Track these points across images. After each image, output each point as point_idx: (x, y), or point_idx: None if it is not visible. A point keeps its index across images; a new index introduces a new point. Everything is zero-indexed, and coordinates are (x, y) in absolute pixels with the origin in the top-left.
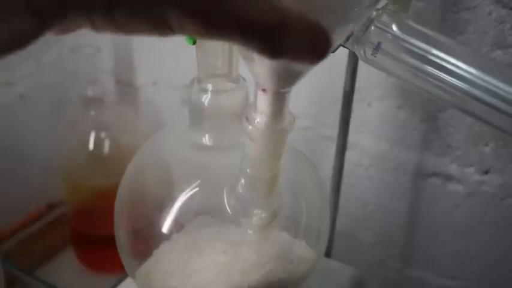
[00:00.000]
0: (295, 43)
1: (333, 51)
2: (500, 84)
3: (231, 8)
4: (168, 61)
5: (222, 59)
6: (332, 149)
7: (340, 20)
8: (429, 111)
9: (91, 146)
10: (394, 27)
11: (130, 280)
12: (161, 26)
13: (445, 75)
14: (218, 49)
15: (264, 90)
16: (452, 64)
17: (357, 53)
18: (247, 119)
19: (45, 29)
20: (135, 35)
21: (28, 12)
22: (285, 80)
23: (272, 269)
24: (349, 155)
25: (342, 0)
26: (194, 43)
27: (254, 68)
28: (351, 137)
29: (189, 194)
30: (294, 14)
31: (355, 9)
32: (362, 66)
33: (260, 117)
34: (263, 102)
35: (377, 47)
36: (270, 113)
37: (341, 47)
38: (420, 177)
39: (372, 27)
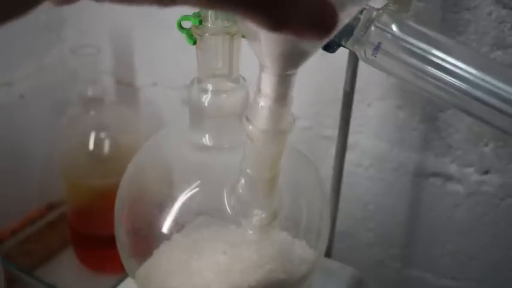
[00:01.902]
0: (300, 15)
1: (333, 52)
2: (501, 85)
3: None
4: (168, 61)
5: (222, 59)
6: (332, 150)
7: None
8: (429, 111)
9: (91, 146)
10: (394, 27)
11: (130, 280)
12: None
13: (445, 75)
14: (218, 49)
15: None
16: (453, 64)
17: (357, 53)
18: (247, 118)
19: None
20: (135, 5)
21: None
22: (291, 61)
23: (272, 269)
24: (349, 156)
25: None
26: (194, 43)
27: (259, 49)
28: (351, 138)
29: (189, 194)
30: None
31: None
32: (362, 67)
33: (264, 100)
34: (267, 85)
35: (377, 47)
36: (274, 96)
37: (341, 48)
38: (420, 178)
39: (372, 28)
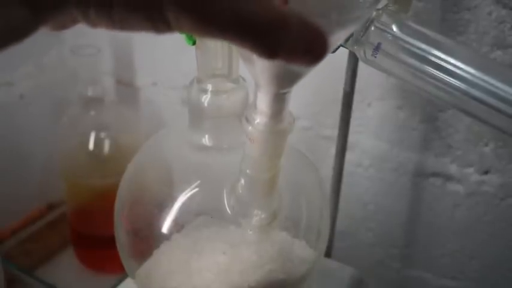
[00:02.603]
0: (292, 43)
1: (333, 52)
2: (500, 85)
3: (228, 7)
4: (168, 61)
5: (222, 60)
6: (332, 150)
7: (338, 22)
8: (429, 111)
9: (91, 146)
10: (394, 28)
11: (130, 280)
12: (158, 23)
13: (445, 75)
14: (218, 50)
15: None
16: (452, 64)
17: (357, 54)
18: (247, 119)
19: (39, 22)
20: (131, 31)
21: (22, 3)
22: (284, 82)
23: (272, 269)
24: (349, 156)
25: (340, 3)
26: (194, 43)
27: (253, 70)
28: (351, 138)
29: (189, 194)
30: (291, 14)
31: (354, 11)
32: (362, 67)
33: (260, 117)
34: (263, 103)
35: (377, 48)
36: (270, 113)
37: (341, 48)
38: (420, 178)
39: (372, 28)
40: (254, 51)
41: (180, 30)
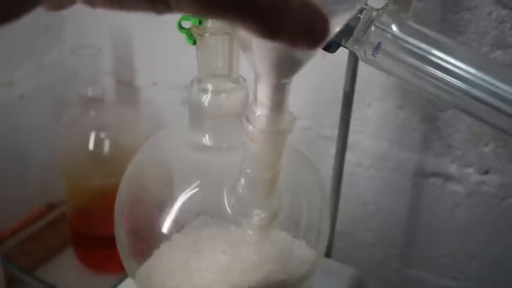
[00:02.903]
0: (293, 25)
1: (333, 52)
2: (500, 85)
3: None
4: (168, 61)
5: (222, 59)
6: (332, 149)
7: (339, 3)
8: (429, 111)
9: (91, 146)
10: (394, 27)
11: (130, 280)
12: (157, 2)
13: (445, 75)
14: (218, 49)
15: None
16: (452, 64)
17: (357, 53)
18: (247, 118)
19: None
20: (130, 11)
21: None
22: (285, 70)
23: (272, 269)
24: (349, 155)
25: None
26: (194, 43)
27: (253, 58)
28: (351, 137)
29: (189, 194)
30: None
31: None
32: (362, 67)
33: (261, 109)
34: (263, 94)
35: (377, 47)
36: (271, 105)
37: (341, 48)
38: (420, 177)
39: (372, 28)
40: (255, 33)
41: (180, 10)
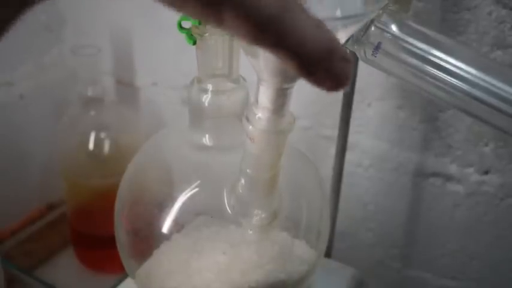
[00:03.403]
0: (330, 70)
1: None
2: (500, 85)
3: (290, 32)
4: (168, 61)
5: (222, 59)
6: (332, 149)
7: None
8: (429, 111)
9: (91, 146)
10: (394, 27)
11: (130, 280)
12: (212, 15)
13: (445, 75)
14: (218, 49)
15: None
16: (452, 64)
17: (357, 53)
18: (247, 119)
19: None
20: (185, 13)
21: None
22: (288, 76)
23: (272, 269)
24: (349, 156)
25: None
26: (194, 43)
27: (257, 64)
28: (351, 138)
29: (189, 194)
30: (338, 45)
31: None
32: (362, 67)
33: (262, 112)
34: (265, 98)
35: (377, 47)
36: (272, 108)
37: None
38: (420, 178)
39: (372, 27)
40: (294, 70)
41: (231, 32)
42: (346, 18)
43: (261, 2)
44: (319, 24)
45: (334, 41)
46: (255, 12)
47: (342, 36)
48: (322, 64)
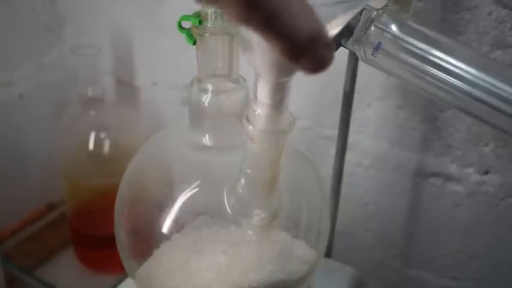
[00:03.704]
0: (314, 55)
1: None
2: (501, 85)
3: (279, 13)
4: (168, 61)
5: (222, 59)
6: (332, 150)
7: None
8: (429, 111)
9: (91, 146)
10: (394, 27)
11: (130, 280)
12: None
13: (445, 75)
14: (218, 49)
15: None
16: (452, 64)
17: (357, 53)
18: (247, 119)
19: None
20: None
21: None
22: (285, 69)
23: (272, 269)
24: (349, 156)
25: None
26: (194, 43)
27: (253, 59)
28: (351, 138)
29: (189, 194)
30: (322, 31)
31: None
32: (362, 67)
33: (261, 108)
34: (263, 93)
35: (377, 47)
36: (271, 104)
37: (341, 48)
38: (420, 178)
39: (372, 28)
40: (279, 52)
41: (221, 7)
42: (343, 3)
43: None
44: (308, 8)
45: (322, 27)
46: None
47: (339, 23)
48: (308, 49)
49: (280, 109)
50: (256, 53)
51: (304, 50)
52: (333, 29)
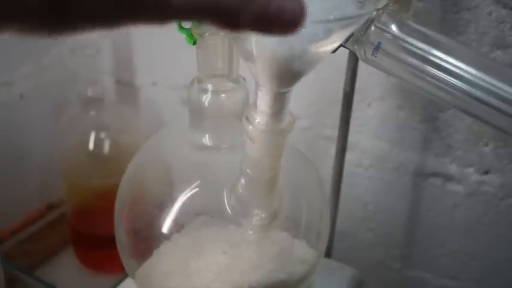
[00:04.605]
0: (255, 14)
1: (333, 52)
2: (500, 85)
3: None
4: (168, 61)
5: (222, 59)
6: (332, 149)
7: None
8: (429, 111)
9: (91, 146)
10: (394, 27)
11: (130, 280)
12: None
13: (445, 75)
14: (218, 49)
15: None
16: (453, 64)
17: (357, 53)
18: (247, 119)
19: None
20: (127, 25)
21: None
22: (285, 80)
23: (272, 269)
24: (349, 156)
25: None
26: (194, 43)
27: (254, 69)
28: (351, 138)
29: (189, 194)
30: None
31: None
32: (362, 67)
33: (260, 117)
34: (263, 102)
35: (377, 47)
36: (270, 113)
37: (341, 48)
38: (420, 178)
39: (372, 27)
40: (215, 26)
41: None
42: (341, 20)
43: None
44: None
45: None
46: None
47: (338, 38)
48: (244, 12)
49: (280, 117)
50: (256, 64)
51: (240, 16)
52: (332, 45)
